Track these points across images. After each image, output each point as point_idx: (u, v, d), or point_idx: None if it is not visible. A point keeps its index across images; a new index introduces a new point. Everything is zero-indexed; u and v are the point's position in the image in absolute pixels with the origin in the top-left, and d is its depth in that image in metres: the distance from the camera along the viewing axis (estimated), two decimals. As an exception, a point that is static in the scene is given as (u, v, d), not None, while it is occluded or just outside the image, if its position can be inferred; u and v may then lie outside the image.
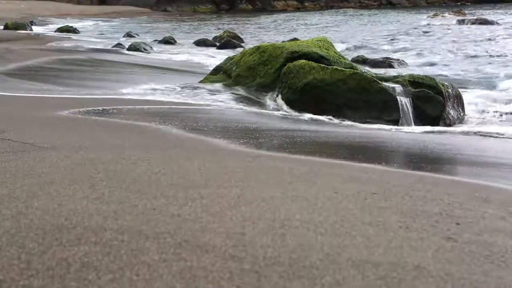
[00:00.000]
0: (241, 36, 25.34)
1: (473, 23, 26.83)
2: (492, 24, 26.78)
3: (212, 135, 5.13)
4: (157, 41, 23.38)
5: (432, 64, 14.98)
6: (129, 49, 18.48)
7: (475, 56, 16.18)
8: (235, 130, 5.65)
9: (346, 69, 7.91)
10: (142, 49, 18.44)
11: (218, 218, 2.50)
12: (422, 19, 33.66)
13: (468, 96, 8.85)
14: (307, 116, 7.39)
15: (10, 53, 12.99)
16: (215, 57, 16.90)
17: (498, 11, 41.33)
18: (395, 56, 16.36)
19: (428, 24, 29.47)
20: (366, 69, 9.18)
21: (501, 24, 26.66)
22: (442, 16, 31.41)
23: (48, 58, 12.14)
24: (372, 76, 7.92)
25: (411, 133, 6.64)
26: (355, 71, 7.93)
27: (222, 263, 2.02)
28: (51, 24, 34.85)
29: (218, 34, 25.87)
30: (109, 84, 9.29)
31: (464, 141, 6.23)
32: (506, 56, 15.84)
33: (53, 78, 9.60)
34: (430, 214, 2.76)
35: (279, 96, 8.08)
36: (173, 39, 24.19)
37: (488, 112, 8.39)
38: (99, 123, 5.29)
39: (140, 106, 6.79)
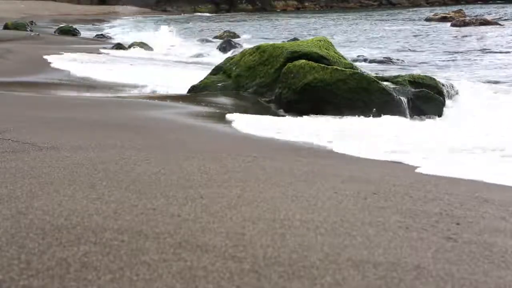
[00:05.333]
0: (241, 36, 25.36)
1: (473, 24, 26.59)
2: (494, 25, 26.27)
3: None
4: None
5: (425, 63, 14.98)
6: (128, 49, 18.50)
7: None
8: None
9: (346, 69, 7.90)
10: (142, 49, 18.47)
11: (218, 218, 2.50)
12: (421, 19, 33.67)
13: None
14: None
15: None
16: (214, 57, 16.94)
17: (498, 11, 41.29)
18: (395, 56, 16.36)
19: (427, 25, 29.44)
20: (366, 69, 9.18)
21: (503, 25, 26.23)
22: (442, 16, 31.35)
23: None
24: (372, 76, 7.92)
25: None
26: (355, 71, 7.93)
27: (222, 263, 2.02)
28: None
29: (218, 34, 25.92)
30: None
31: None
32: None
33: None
34: (430, 214, 2.75)
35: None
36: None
37: None
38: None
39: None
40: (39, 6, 50.78)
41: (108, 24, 39.81)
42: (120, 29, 34.35)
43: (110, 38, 26.19)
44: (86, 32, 30.13)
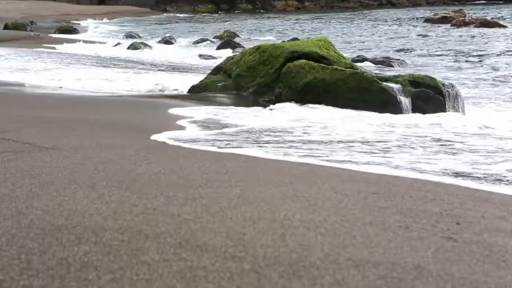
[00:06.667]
0: (241, 36, 25.36)
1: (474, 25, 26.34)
2: (495, 26, 25.82)
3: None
4: (157, 41, 23.42)
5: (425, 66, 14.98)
6: (128, 48, 18.55)
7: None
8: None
9: (346, 69, 7.90)
10: (142, 49, 18.50)
11: (218, 218, 2.50)
12: (421, 19, 33.65)
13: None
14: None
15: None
16: (214, 57, 16.93)
17: (498, 11, 41.25)
18: (395, 56, 16.37)
19: (427, 26, 29.38)
20: (366, 69, 9.17)
21: (505, 26, 25.91)
22: (442, 16, 31.29)
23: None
24: (372, 75, 7.92)
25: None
26: (355, 71, 7.93)
27: (222, 263, 2.02)
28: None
29: (218, 34, 25.91)
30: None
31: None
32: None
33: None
34: (430, 214, 2.75)
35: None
36: (173, 38, 24.23)
37: None
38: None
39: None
40: (39, 6, 50.73)
41: (107, 24, 39.79)
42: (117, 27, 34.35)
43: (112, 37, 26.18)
44: (85, 32, 30.15)
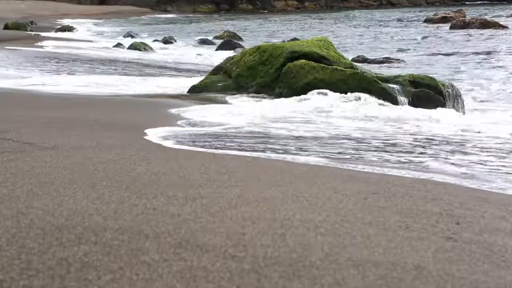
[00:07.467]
0: (241, 36, 25.35)
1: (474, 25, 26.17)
2: (495, 26, 25.57)
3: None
4: (157, 41, 23.42)
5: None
6: (129, 49, 18.56)
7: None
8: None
9: (346, 69, 7.90)
10: (142, 49, 18.51)
11: (218, 218, 2.50)
12: (421, 19, 33.65)
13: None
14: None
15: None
16: (214, 57, 16.93)
17: (497, 11, 41.24)
18: (395, 56, 16.36)
19: (427, 26, 29.35)
20: (366, 69, 9.17)
21: (506, 27, 25.75)
22: (442, 16, 31.26)
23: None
24: (372, 76, 7.91)
25: None
26: (355, 71, 7.93)
27: (222, 263, 2.02)
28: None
29: (218, 34, 25.91)
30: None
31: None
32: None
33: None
34: (430, 214, 2.75)
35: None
36: (173, 38, 24.23)
37: None
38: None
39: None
40: (39, 6, 50.73)
41: (107, 24, 39.81)
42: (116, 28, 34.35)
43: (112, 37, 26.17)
44: (85, 32, 30.20)
